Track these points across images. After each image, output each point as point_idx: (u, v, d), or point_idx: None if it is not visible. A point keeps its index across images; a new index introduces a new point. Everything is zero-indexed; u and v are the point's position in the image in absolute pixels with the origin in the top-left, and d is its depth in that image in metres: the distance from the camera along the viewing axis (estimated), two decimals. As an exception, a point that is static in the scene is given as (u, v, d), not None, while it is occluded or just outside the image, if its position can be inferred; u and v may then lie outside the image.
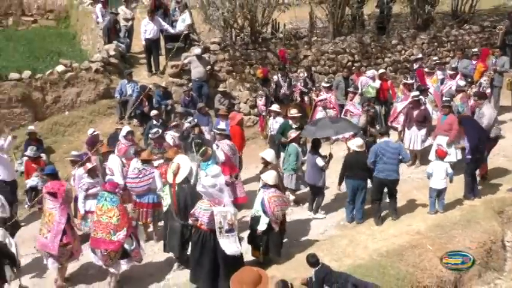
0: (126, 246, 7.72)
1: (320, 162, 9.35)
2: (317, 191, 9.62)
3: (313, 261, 6.73)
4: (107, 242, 7.62)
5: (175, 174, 8.02)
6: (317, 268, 6.71)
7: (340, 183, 9.38)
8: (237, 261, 7.25)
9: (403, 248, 8.12)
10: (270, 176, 8.00)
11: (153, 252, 8.92)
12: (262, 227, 7.88)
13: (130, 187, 9.23)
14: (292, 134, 9.96)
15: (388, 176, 8.91)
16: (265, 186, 7.99)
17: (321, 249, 8.13)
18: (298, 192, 10.20)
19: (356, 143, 9.21)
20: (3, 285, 7.24)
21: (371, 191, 9.23)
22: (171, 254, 8.50)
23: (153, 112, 11.66)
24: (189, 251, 7.79)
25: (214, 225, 7.20)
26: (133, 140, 10.73)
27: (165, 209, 8.33)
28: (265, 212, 7.85)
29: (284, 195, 8.16)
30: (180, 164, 8.10)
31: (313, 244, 8.57)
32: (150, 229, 9.40)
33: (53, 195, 7.86)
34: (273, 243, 8.00)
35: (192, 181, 8.42)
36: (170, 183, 8.12)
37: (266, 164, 8.79)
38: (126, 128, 10.81)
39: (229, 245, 7.23)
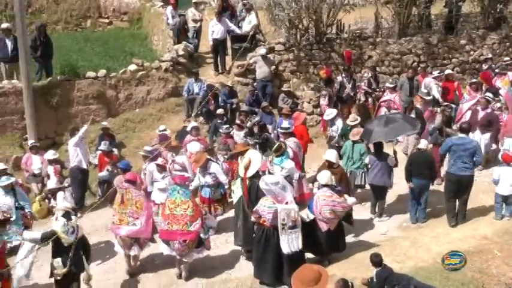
0: (201, 235, 7.96)
1: (391, 161, 9.33)
2: (383, 194, 9.54)
3: (376, 260, 6.68)
4: (185, 233, 7.83)
5: (246, 168, 8.20)
6: (379, 268, 6.66)
7: (408, 180, 9.15)
8: (300, 258, 7.36)
9: (468, 253, 7.76)
10: (323, 176, 8.06)
11: (215, 245, 8.96)
12: (304, 219, 7.87)
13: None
14: (355, 136, 9.85)
15: (461, 171, 8.71)
16: (320, 185, 8.07)
17: (383, 250, 7.95)
18: (359, 191, 10.11)
19: (422, 143, 9.30)
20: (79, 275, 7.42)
21: (444, 189, 9.08)
22: (235, 247, 8.70)
23: (219, 111, 11.93)
24: None
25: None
26: (198, 135, 10.97)
27: (235, 201, 8.57)
28: (310, 209, 7.94)
29: (338, 197, 7.97)
30: (252, 158, 8.29)
31: (375, 245, 8.52)
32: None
33: (132, 183, 8.23)
34: (321, 241, 7.96)
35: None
36: (241, 176, 8.33)
37: (330, 166, 8.82)
38: (191, 124, 11.16)
39: (291, 242, 7.33)
